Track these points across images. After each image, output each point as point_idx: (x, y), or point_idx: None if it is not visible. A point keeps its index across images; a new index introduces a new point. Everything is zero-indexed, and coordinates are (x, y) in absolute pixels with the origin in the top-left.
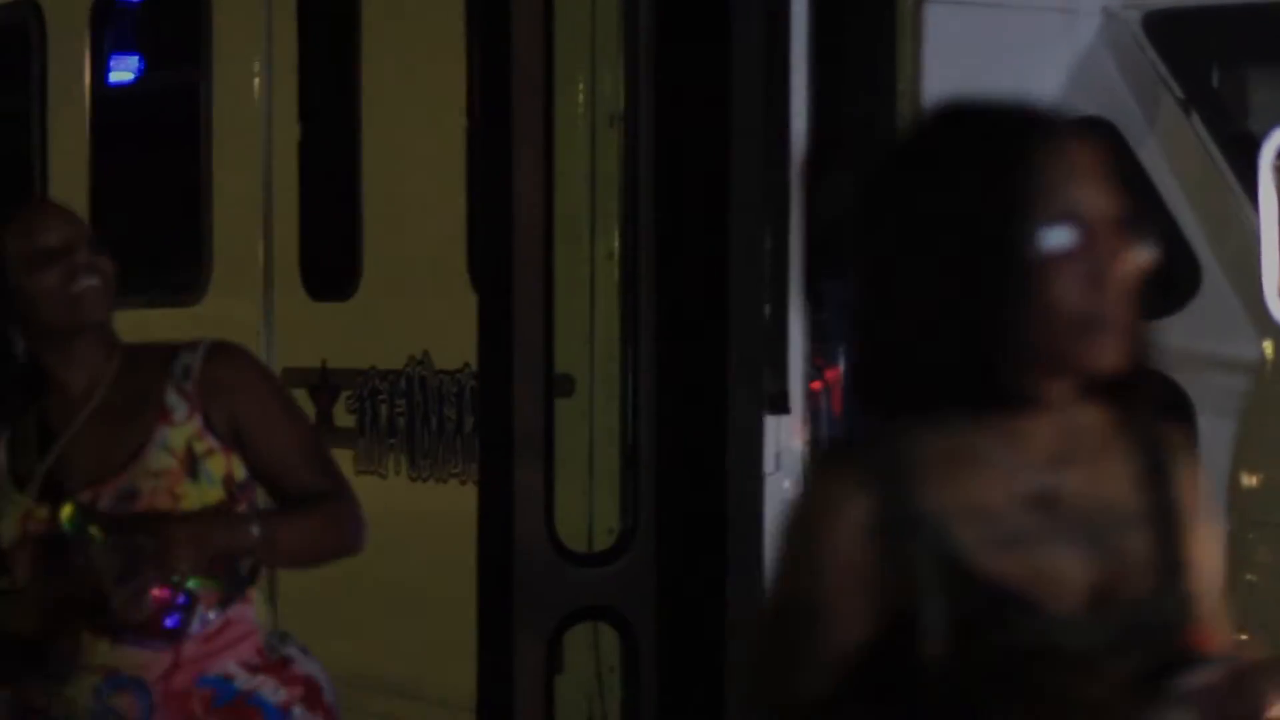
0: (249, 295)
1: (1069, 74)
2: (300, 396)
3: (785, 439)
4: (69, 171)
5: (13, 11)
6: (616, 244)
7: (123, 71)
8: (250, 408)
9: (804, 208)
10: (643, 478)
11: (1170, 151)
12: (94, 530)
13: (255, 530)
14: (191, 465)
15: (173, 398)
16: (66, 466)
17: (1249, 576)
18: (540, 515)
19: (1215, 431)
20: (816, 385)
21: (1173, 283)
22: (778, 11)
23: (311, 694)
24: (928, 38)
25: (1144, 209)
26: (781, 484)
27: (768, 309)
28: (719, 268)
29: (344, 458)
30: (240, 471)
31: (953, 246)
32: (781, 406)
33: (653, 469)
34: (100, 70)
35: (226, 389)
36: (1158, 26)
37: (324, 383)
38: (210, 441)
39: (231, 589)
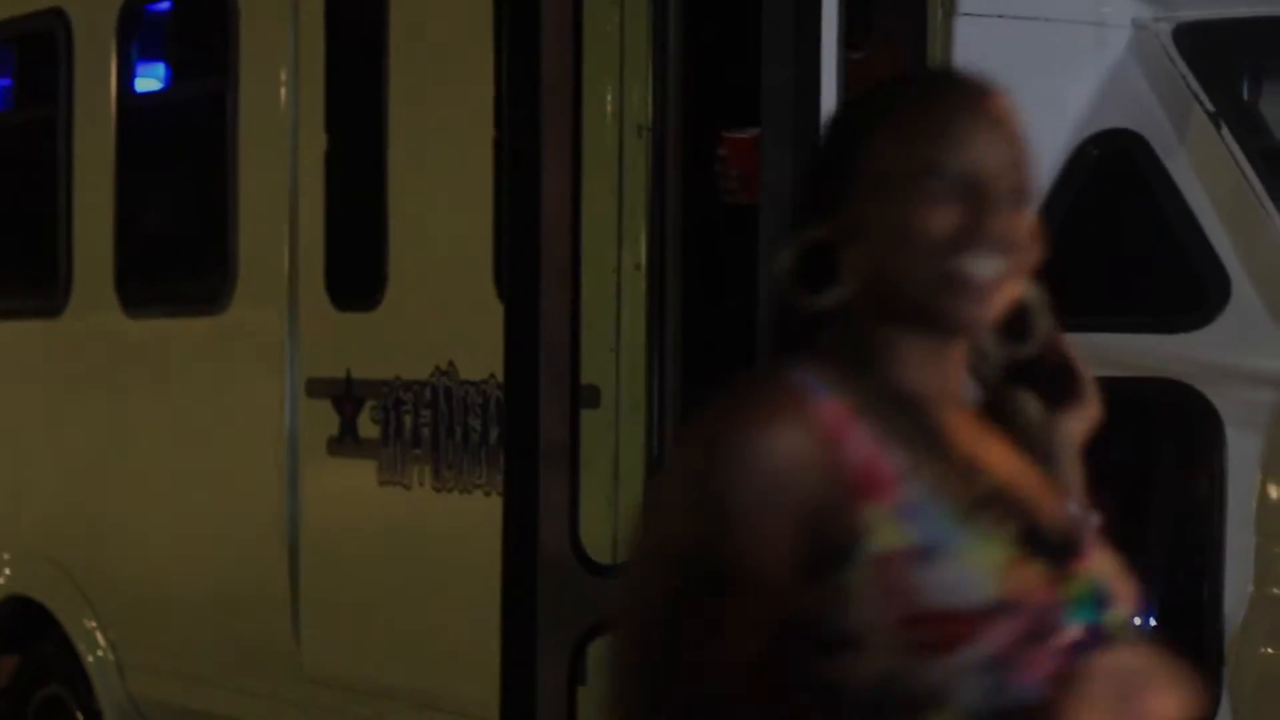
0: (273, 305)
1: (1099, 87)
2: (324, 407)
3: None
4: (94, 180)
5: (39, 20)
6: (644, 255)
7: (149, 80)
8: None
9: None
10: None
11: (1200, 165)
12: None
13: None
14: None
15: None
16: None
17: (1275, 590)
18: (565, 526)
19: (1243, 447)
20: None
21: (1202, 296)
22: (807, 24)
23: None
24: (958, 50)
25: (1173, 222)
26: None
27: None
28: (748, 280)
29: (368, 469)
30: None
31: None
32: None
33: None
34: (127, 78)
35: None
36: (1188, 39)
37: (348, 393)
38: None
39: None
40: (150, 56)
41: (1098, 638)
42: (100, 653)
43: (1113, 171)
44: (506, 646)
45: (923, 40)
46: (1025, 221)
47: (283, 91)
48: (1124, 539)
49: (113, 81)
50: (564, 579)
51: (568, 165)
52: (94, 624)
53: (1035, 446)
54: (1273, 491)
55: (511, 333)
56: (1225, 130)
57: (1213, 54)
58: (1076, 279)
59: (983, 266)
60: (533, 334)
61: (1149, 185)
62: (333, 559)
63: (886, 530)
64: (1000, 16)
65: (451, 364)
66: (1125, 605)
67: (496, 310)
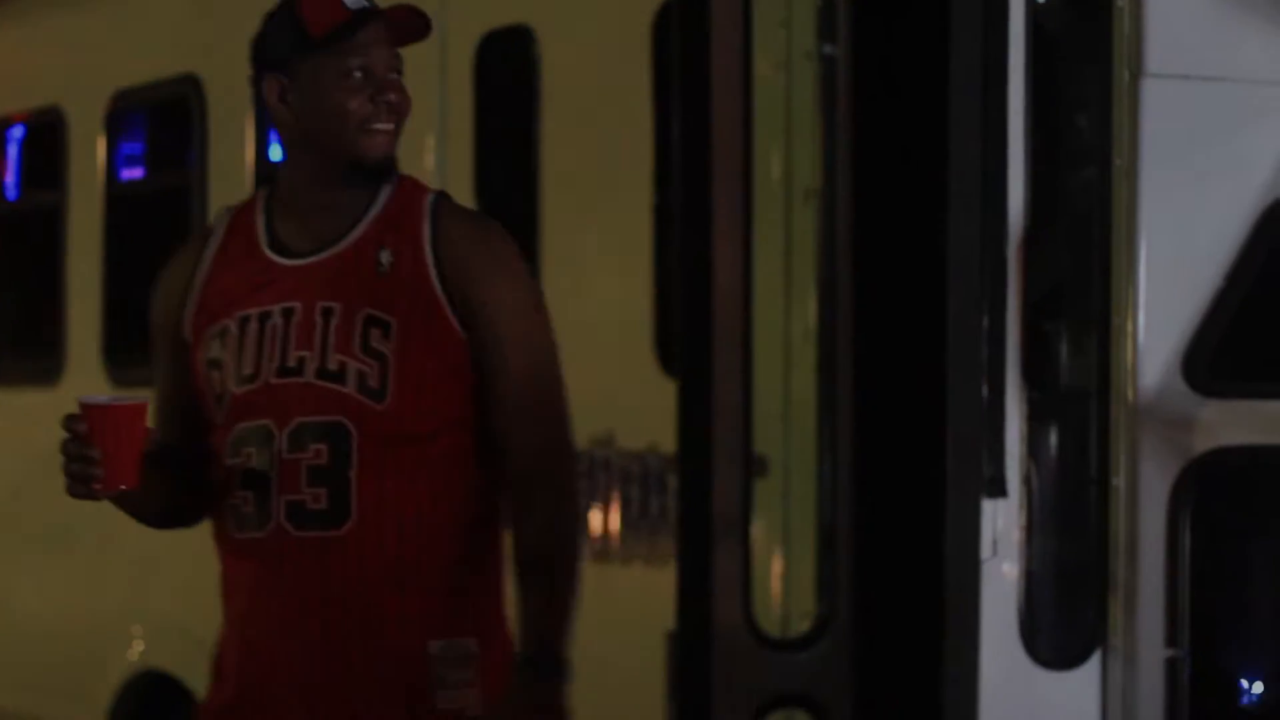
0: None
1: None
2: None
3: (1002, 524)
4: None
5: (173, 86)
6: (813, 322)
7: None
8: None
9: (1021, 285)
10: (841, 561)
11: None
12: None
13: None
14: None
15: None
16: None
17: None
18: (738, 599)
19: None
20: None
21: None
22: (993, 85)
23: None
24: (1144, 112)
25: None
26: (1000, 568)
27: (985, 389)
28: (935, 347)
29: None
30: None
31: None
32: (999, 490)
33: (851, 552)
34: (264, 145)
35: None
36: None
37: None
38: None
39: None
40: None
41: None
42: None
43: None
44: None
45: (1108, 102)
46: None
47: (430, 157)
48: None
49: (248, 148)
50: (738, 653)
51: (739, 232)
52: None
53: None
54: None
55: (684, 403)
56: None
57: None
58: (1267, 344)
59: None
60: (705, 404)
61: None
62: None
63: None
64: (1186, 77)
65: (610, 433)
66: None
67: (657, 379)
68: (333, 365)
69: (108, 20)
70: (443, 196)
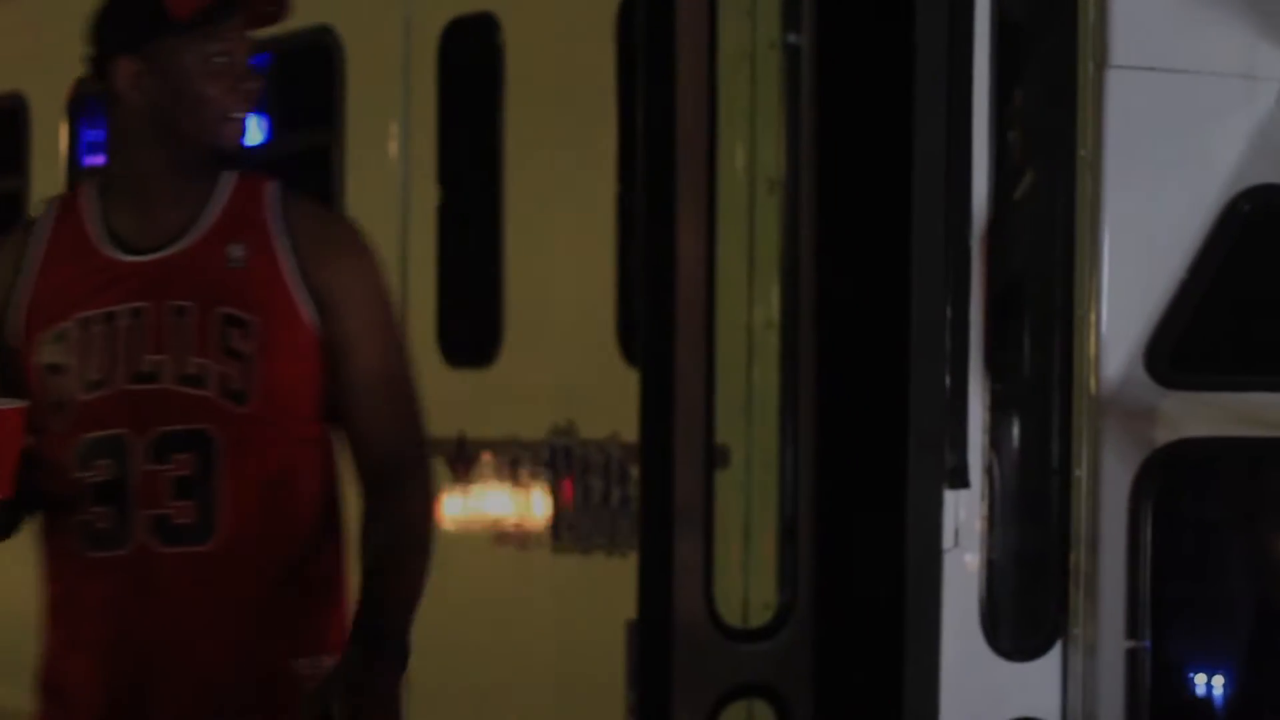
0: None
1: (1249, 141)
2: (437, 466)
3: (964, 515)
4: None
5: None
6: (776, 313)
7: (251, 133)
8: None
9: (984, 276)
10: (802, 551)
11: None
12: None
13: None
14: None
15: None
16: None
17: None
18: (699, 589)
19: None
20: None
21: None
22: (957, 76)
23: None
24: (1109, 105)
25: None
26: (962, 559)
27: (947, 380)
28: (898, 337)
29: (483, 529)
30: None
31: None
32: (961, 480)
33: (812, 542)
34: None
35: None
36: None
37: (461, 453)
38: None
39: None
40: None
41: None
42: None
43: (1264, 227)
44: (642, 711)
45: (1073, 95)
46: None
47: (394, 144)
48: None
49: None
50: (699, 643)
51: (702, 223)
52: None
53: None
54: None
55: (646, 393)
56: None
57: None
58: (1229, 337)
59: None
60: (668, 394)
61: None
62: (442, 622)
63: None
64: (1151, 69)
65: (571, 422)
66: None
67: (620, 368)
68: (192, 369)
69: (70, 5)
70: (286, 187)
